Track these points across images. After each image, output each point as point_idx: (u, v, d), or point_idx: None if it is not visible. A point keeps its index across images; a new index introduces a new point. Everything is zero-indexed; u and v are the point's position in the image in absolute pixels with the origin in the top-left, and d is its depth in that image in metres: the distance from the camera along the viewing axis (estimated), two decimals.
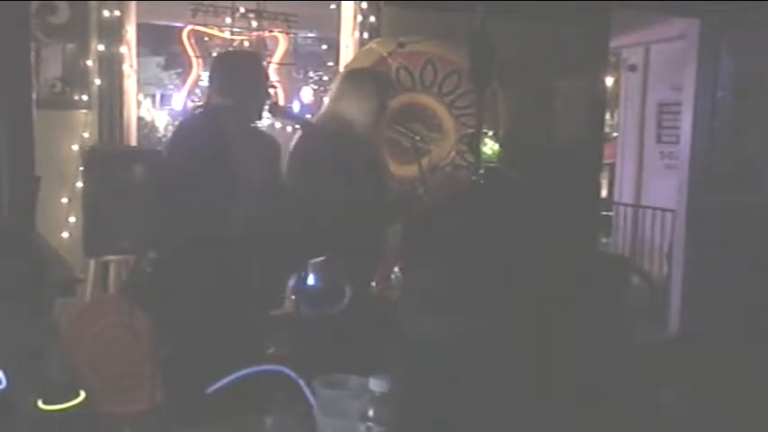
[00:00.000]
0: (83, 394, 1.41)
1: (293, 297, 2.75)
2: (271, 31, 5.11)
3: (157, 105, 6.41)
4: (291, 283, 2.80)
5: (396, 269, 3.84)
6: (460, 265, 1.22)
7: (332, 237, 2.90)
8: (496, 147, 4.75)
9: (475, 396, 1.17)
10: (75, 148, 3.99)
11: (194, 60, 5.26)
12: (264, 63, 3.45)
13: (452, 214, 1.30)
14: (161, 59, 6.82)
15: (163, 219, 2.89)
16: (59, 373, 1.47)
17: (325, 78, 5.51)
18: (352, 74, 3.44)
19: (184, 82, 5.49)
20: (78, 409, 1.39)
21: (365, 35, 4.59)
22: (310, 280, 2.71)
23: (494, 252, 1.23)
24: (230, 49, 4.92)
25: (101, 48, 4.03)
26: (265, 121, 4.12)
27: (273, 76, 4.95)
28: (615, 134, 8.08)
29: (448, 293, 1.21)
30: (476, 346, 1.19)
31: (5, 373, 1.49)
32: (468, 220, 1.26)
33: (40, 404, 1.38)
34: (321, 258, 2.73)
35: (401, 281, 3.16)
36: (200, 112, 3.07)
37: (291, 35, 5.28)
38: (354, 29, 4.62)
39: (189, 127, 3.10)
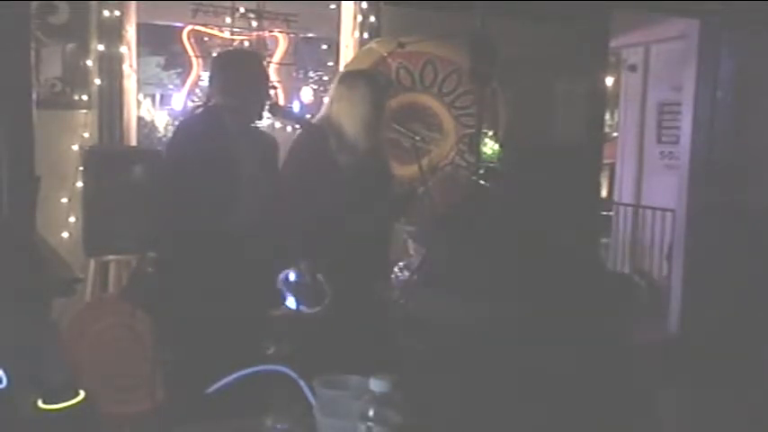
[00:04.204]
0: (82, 394, 1.41)
1: (283, 293, 2.79)
2: (271, 31, 5.11)
3: (157, 105, 6.41)
4: (282, 277, 2.84)
5: (396, 269, 3.84)
6: (471, 262, 1.22)
7: (321, 237, 2.91)
8: (496, 147, 4.77)
9: (477, 395, 1.17)
10: (76, 148, 3.99)
11: (194, 60, 5.25)
12: (265, 63, 3.44)
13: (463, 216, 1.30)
14: (161, 59, 6.82)
15: (163, 218, 2.89)
16: (59, 372, 1.47)
17: (325, 78, 5.50)
18: (347, 77, 3.44)
19: (184, 82, 5.49)
20: (78, 409, 1.39)
21: (365, 35, 4.59)
22: (291, 276, 2.75)
23: (487, 254, 1.23)
24: (230, 48, 4.92)
25: (101, 48, 4.03)
26: (265, 121, 4.12)
27: (273, 76, 4.95)
28: (615, 134, 8.07)
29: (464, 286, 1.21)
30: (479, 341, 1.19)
31: (5, 372, 1.49)
32: (474, 224, 1.27)
33: (40, 404, 1.38)
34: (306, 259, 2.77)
35: (401, 281, 3.17)
36: (201, 112, 3.06)
37: (291, 35, 5.27)
38: (354, 29, 4.62)
39: (189, 127, 3.10)
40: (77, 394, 1.40)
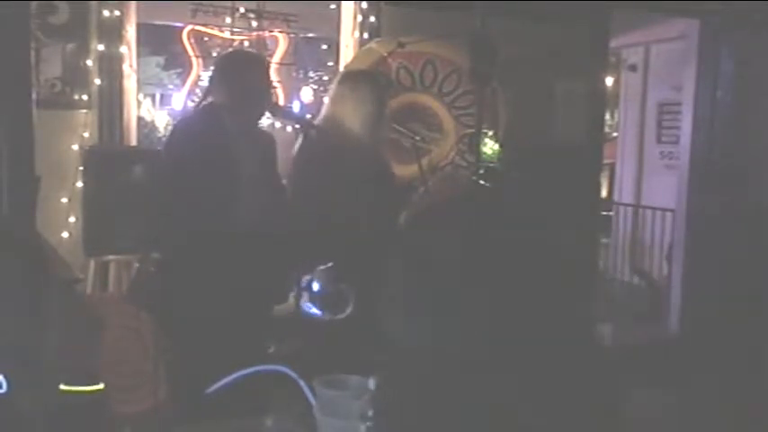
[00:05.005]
0: (101, 384, 1.42)
1: (302, 299, 2.76)
2: (271, 31, 5.12)
3: (157, 105, 6.42)
4: (297, 286, 2.81)
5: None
6: (454, 267, 1.21)
7: (334, 238, 2.91)
8: (496, 147, 4.76)
9: (462, 399, 1.17)
10: (76, 148, 3.99)
11: (194, 60, 5.26)
12: (268, 65, 3.44)
13: (448, 215, 1.30)
14: (161, 59, 6.83)
15: (163, 218, 2.89)
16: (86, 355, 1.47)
17: (326, 78, 5.51)
18: (349, 76, 3.43)
19: (184, 82, 5.49)
20: (93, 399, 1.39)
21: (365, 35, 4.59)
22: (315, 286, 2.72)
23: (489, 254, 1.22)
24: (231, 49, 4.92)
25: (101, 48, 4.03)
26: (265, 121, 4.12)
27: (273, 76, 4.95)
28: (615, 134, 8.08)
29: (439, 296, 1.21)
30: (468, 349, 1.19)
31: (5, 376, 1.49)
32: (465, 221, 1.26)
33: (62, 387, 1.39)
34: (326, 266, 2.74)
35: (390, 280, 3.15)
36: (199, 111, 3.05)
37: (291, 35, 5.28)
38: (354, 29, 4.62)
39: (187, 126, 3.09)
40: (98, 382, 1.41)
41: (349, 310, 2.75)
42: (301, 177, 3.09)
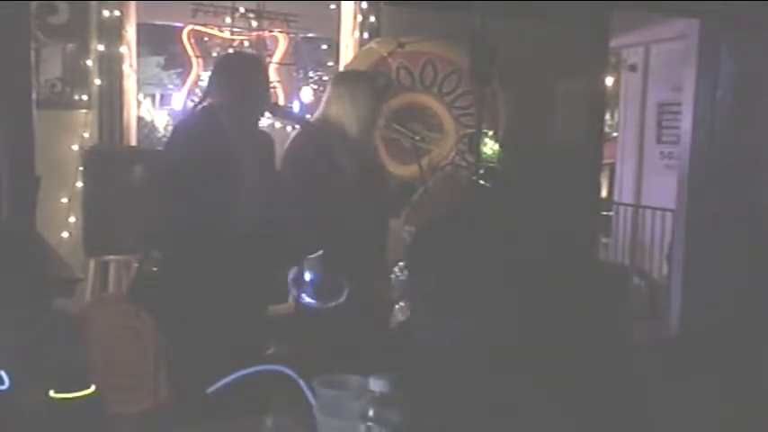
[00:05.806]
0: (93, 387, 1.42)
1: (294, 292, 2.79)
2: (271, 31, 5.11)
3: (157, 105, 6.40)
4: (291, 277, 2.84)
5: (396, 269, 3.85)
6: (467, 269, 1.22)
7: (328, 235, 2.92)
8: (496, 147, 4.76)
9: (479, 399, 1.17)
10: (76, 148, 3.99)
11: (194, 60, 5.24)
12: (267, 67, 3.44)
13: (459, 220, 1.30)
14: (161, 59, 6.81)
15: (162, 218, 2.89)
16: (74, 361, 1.47)
17: (325, 78, 5.50)
18: (343, 76, 3.44)
19: (184, 82, 5.48)
20: (86, 402, 1.39)
21: (365, 35, 4.60)
22: (307, 276, 2.76)
23: (489, 254, 1.23)
24: (231, 49, 4.92)
25: (101, 48, 4.03)
26: (265, 121, 4.11)
27: (273, 76, 4.94)
28: (615, 134, 8.08)
29: (456, 296, 1.21)
30: (480, 349, 1.19)
31: (7, 373, 1.49)
32: (474, 225, 1.26)
33: (52, 393, 1.39)
34: (316, 255, 2.78)
35: (401, 282, 3.17)
36: (198, 112, 3.05)
37: (291, 35, 5.27)
38: (354, 29, 4.63)
39: (187, 126, 3.09)
40: (89, 386, 1.41)
41: (342, 299, 2.78)
42: (288, 175, 3.09)
